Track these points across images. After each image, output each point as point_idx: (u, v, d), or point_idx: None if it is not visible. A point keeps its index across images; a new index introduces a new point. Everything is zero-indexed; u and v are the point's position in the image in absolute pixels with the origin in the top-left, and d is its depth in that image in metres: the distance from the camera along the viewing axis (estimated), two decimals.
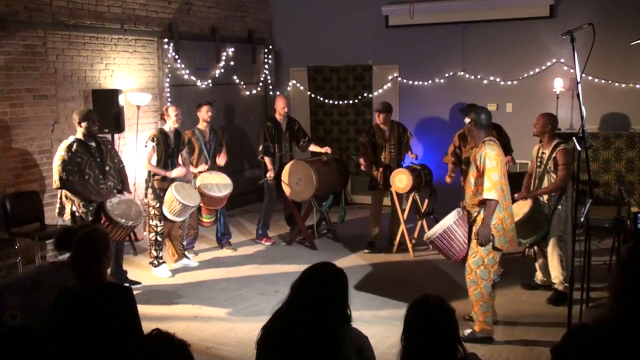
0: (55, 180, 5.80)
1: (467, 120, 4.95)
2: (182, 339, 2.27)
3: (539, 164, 5.81)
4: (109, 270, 3.37)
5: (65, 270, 3.79)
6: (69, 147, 5.79)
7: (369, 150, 7.53)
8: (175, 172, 6.72)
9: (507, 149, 6.89)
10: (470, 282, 4.95)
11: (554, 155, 5.66)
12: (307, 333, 2.63)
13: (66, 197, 5.88)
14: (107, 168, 6.01)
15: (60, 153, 5.78)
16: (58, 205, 5.99)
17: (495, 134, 6.44)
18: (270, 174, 7.78)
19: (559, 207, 5.67)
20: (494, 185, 4.67)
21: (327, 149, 7.91)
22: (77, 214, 5.84)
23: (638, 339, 2.01)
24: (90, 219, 5.82)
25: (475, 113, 4.93)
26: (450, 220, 5.37)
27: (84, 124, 5.85)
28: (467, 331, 4.95)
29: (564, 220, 5.67)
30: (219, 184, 7.31)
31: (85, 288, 3.18)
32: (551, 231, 5.69)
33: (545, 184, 5.74)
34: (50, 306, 3.50)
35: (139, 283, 6.46)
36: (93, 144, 5.96)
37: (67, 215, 5.91)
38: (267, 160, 7.79)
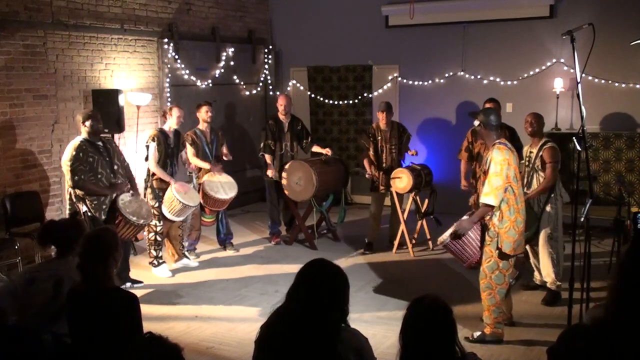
0: (68, 180, 5.81)
1: (476, 122, 4.93)
2: (175, 342, 2.25)
3: (527, 162, 5.87)
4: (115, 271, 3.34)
5: (55, 263, 3.80)
6: (79, 147, 5.79)
7: (372, 151, 7.53)
8: (176, 185, 6.70)
9: (518, 153, 6.90)
10: (484, 286, 4.89)
11: (540, 153, 5.71)
12: (306, 331, 2.61)
13: (77, 198, 5.85)
14: (116, 167, 6.05)
15: (71, 153, 5.77)
16: (68, 207, 5.95)
17: (509, 136, 6.44)
18: (270, 172, 7.79)
19: (548, 206, 5.70)
20: (493, 190, 4.63)
21: (327, 151, 7.89)
22: (89, 213, 5.84)
23: (634, 340, 2.01)
24: (103, 217, 5.85)
25: (484, 115, 4.91)
26: None
27: (88, 123, 5.87)
28: (477, 333, 4.93)
29: (554, 219, 5.71)
30: (224, 186, 7.30)
31: (90, 289, 3.16)
32: (540, 229, 5.72)
33: (534, 182, 5.78)
34: (49, 297, 3.49)
35: (140, 282, 6.48)
36: (100, 143, 5.99)
37: (81, 217, 5.90)
38: (267, 157, 7.81)
